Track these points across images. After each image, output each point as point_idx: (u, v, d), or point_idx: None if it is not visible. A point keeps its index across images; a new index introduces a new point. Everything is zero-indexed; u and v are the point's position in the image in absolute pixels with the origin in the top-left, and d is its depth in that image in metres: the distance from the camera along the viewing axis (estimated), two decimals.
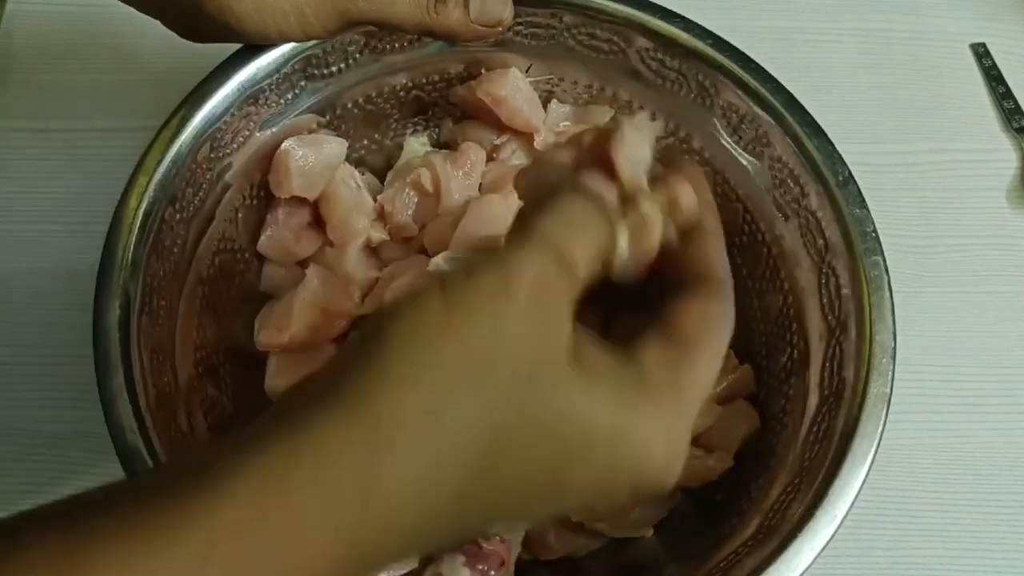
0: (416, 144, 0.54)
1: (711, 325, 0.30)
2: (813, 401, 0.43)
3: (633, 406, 0.28)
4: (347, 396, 0.25)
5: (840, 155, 0.45)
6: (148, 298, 0.42)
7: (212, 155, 0.46)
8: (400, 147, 0.54)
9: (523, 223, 0.28)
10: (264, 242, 0.50)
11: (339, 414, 0.25)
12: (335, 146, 0.50)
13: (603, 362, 0.28)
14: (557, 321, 0.27)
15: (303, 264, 0.50)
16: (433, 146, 0.55)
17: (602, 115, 0.52)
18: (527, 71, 0.51)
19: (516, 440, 0.26)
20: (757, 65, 0.47)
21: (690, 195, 0.32)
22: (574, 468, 0.27)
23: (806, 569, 0.36)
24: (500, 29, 0.45)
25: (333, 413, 0.25)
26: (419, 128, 0.55)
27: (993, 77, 0.64)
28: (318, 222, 0.51)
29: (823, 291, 0.44)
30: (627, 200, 0.31)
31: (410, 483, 0.25)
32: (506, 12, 0.45)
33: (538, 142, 0.52)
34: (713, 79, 0.48)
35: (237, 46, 0.45)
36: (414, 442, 0.25)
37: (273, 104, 0.48)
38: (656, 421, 0.28)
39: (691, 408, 0.29)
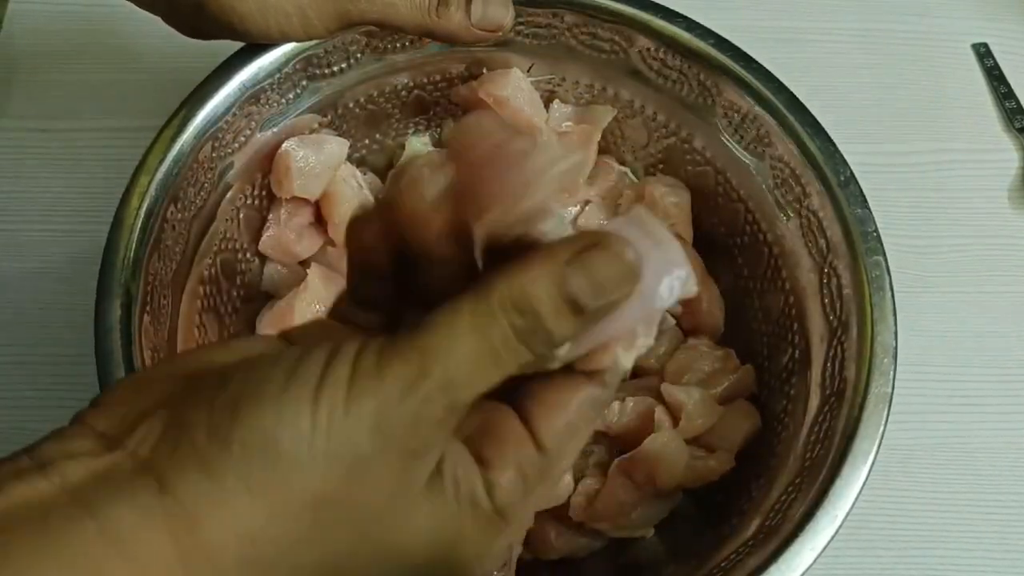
0: (417, 144, 0.54)
1: (578, 438, 0.26)
2: (814, 401, 0.43)
3: (474, 539, 0.25)
4: (169, 488, 0.22)
5: (841, 155, 0.45)
6: (149, 297, 0.42)
7: (214, 155, 0.46)
8: (401, 147, 0.54)
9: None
10: (265, 242, 0.50)
11: (151, 510, 0.22)
12: (336, 146, 0.50)
13: (457, 491, 0.25)
14: (426, 453, 0.24)
15: (304, 264, 0.50)
16: (434, 146, 0.55)
17: (604, 115, 0.52)
18: (528, 71, 0.51)
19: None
20: (759, 65, 0.47)
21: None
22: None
23: (807, 569, 0.36)
24: (500, 33, 0.45)
25: (144, 507, 0.22)
26: (420, 128, 0.55)
27: (995, 77, 0.64)
28: (319, 222, 0.51)
29: (824, 291, 0.44)
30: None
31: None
32: (507, 16, 0.45)
33: (540, 142, 0.52)
34: (715, 79, 0.48)
35: (239, 45, 0.45)
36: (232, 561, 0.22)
37: (274, 104, 0.48)
38: (492, 546, 0.26)
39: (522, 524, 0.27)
